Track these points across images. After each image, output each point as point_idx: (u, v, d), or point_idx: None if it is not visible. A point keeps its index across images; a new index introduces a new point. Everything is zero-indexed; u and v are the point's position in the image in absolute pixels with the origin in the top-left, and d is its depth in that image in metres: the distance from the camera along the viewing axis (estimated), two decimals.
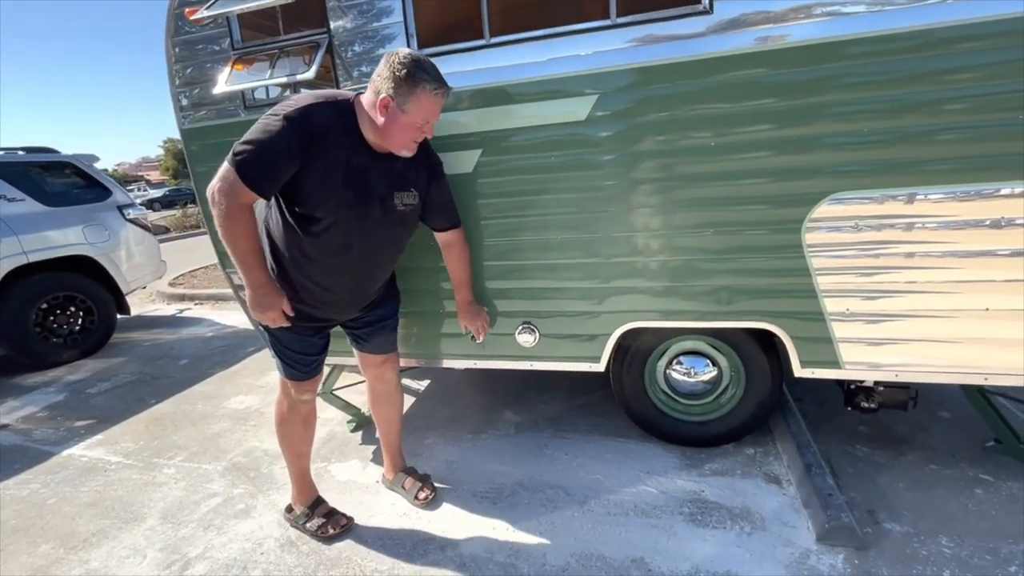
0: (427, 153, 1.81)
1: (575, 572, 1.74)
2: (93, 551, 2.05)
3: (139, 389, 3.68)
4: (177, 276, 7.20)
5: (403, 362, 2.53)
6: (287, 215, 1.60)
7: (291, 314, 1.68)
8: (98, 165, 4.90)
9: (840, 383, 2.11)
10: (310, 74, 2.03)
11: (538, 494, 2.15)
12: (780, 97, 1.73)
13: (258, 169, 1.46)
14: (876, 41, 1.61)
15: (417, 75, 1.50)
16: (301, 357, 1.85)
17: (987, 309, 1.73)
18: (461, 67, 1.99)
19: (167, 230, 14.62)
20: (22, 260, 4.00)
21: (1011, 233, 1.64)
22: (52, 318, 4.28)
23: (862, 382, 2.01)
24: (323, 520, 2.00)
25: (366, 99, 1.57)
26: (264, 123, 1.47)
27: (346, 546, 1.94)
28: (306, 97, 1.52)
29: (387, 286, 1.98)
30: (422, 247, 2.11)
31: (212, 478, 2.48)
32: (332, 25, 2.08)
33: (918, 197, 1.69)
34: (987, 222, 1.66)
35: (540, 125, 1.96)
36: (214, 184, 1.48)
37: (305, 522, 2.01)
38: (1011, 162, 1.60)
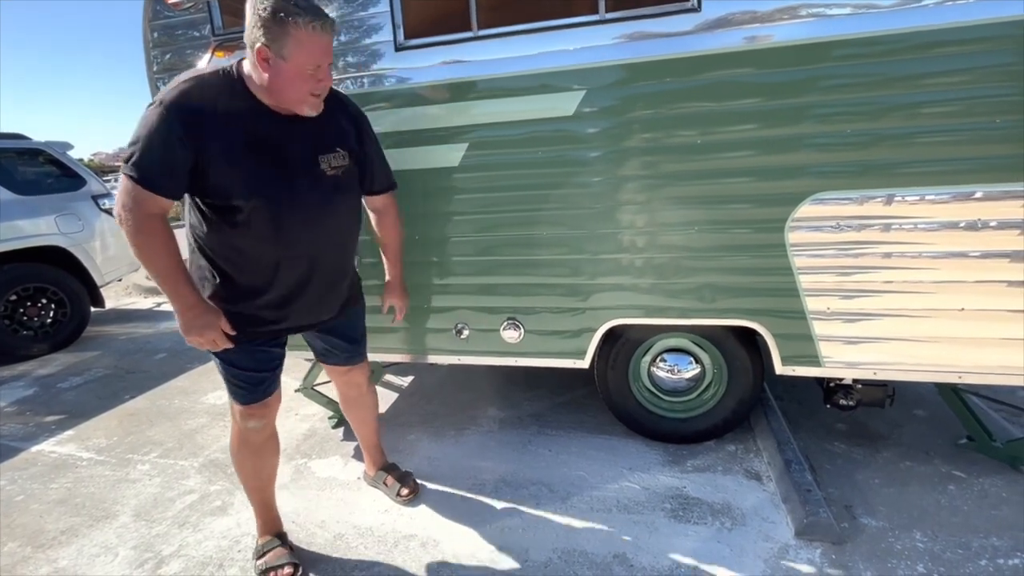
0: (343, 104, 1.57)
1: (557, 568, 1.74)
2: (62, 549, 1.98)
3: (113, 384, 3.58)
4: None
5: (384, 357, 2.50)
6: (206, 213, 1.40)
7: (231, 332, 1.46)
8: (73, 154, 4.76)
9: (820, 381, 2.15)
10: None
11: (521, 490, 2.14)
12: (765, 97, 1.74)
13: (149, 168, 1.27)
14: (859, 44, 1.63)
15: (285, 9, 1.24)
16: (252, 376, 1.59)
17: (962, 309, 1.76)
18: (448, 58, 1.97)
19: None
20: None
21: (986, 235, 1.68)
22: (22, 310, 4.15)
23: (841, 380, 2.04)
24: (267, 567, 1.74)
25: (247, 59, 1.36)
26: (145, 115, 1.29)
27: (326, 543, 1.92)
28: (183, 75, 1.35)
29: (351, 288, 1.77)
30: (406, 240, 2.09)
31: (188, 474, 2.43)
32: None
33: (896, 198, 1.72)
34: (963, 224, 1.69)
35: (527, 120, 1.95)
36: (117, 200, 1.31)
37: (258, 557, 1.79)
38: (987, 165, 1.63)
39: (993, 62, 1.55)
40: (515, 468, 2.30)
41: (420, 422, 2.75)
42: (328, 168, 1.48)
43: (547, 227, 2.05)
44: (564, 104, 1.90)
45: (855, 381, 2.04)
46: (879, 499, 1.95)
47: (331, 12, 2.02)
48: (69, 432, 2.93)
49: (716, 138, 1.81)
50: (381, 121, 2.06)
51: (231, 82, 1.35)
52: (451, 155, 2.05)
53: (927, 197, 1.69)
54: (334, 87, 1.44)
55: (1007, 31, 1.52)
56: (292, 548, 1.83)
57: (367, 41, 2.02)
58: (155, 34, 2.25)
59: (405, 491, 2.09)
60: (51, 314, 4.30)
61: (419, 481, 2.20)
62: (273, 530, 1.87)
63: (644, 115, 1.85)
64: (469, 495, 2.14)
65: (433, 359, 2.39)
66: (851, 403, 2.05)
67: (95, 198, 4.60)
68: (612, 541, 1.84)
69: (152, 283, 6.32)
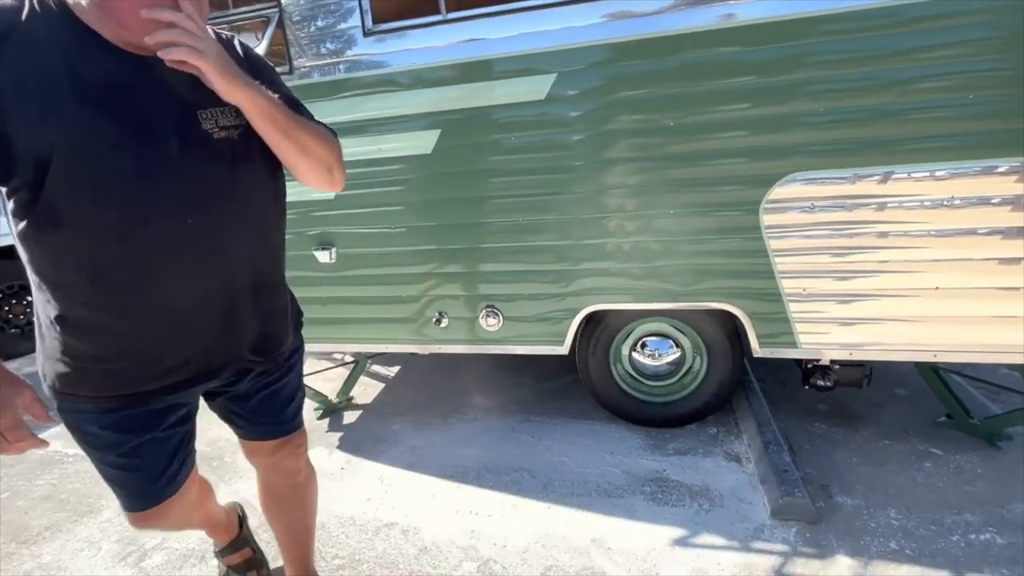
0: (231, 48, 1.02)
1: (536, 552, 1.75)
2: (46, 545, 1.99)
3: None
4: None
5: (365, 348, 2.50)
6: (24, 218, 0.85)
7: (45, 419, 0.97)
8: None
9: (798, 362, 2.15)
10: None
11: (503, 477, 2.15)
12: (737, 76, 1.72)
13: None
14: (829, 20, 1.60)
15: None
16: (139, 477, 1.08)
17: (936, 288, 1.76)
18: (417, 43, 1.93)
19: None
20: None
21: (959, 212, 1.67)
22: (8, 308, 4.12)
23: (818, 361, 2.05)
24: (227, 569, 1.61)
25: None
26: None
27: None
28: None
29: (285, 315, 1.18)
30: (382, 232, 2.07)
31: None
32: None
33: (867, 177, 1.70)
34: (935, 202, 1.68)
35: (498, 104, 1.92)
36: None
37: (221, 557, 1.63)
38: (959, 142, 1.62)
39: (965, 37, 1.53)
40: (498, 455, 2.31)
41: (406, 411, 2.76)
42: (216, 128, 0.95)
43: (522, 213, 2.03)
44: (535, 87, 1.87)
45: (832, 362, 2.04)
46: (856, 478, 1.97)
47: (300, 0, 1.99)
48: (56, 429, 2.90)
49: (688, 120, 1.79)
50: (353, 109, 2.04)
51: (43, 6, 0.83)
52: (424, 142, 2.02)
53: (898, 175, 1.68)
54: (218, 31, 0.98)
55: (975, 5, 1.50)
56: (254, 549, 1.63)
57: (336, 27, 1.99)
58: None
59: None
60: None
61: (403, 471, 2.21)
62: (231, 535, 1.61)
63: (617, 97, 1.83)
64: (452, 482, 2.15)
65: (414, 348, 2.39)
66: (828, 384, 2.06)
67: None
68: (591, 525, 1.85)
69: None
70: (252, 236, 1.05)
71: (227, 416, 1.24)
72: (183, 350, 1.01)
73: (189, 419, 1.14)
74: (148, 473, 1.08)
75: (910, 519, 1.75)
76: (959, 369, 2.40)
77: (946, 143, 1.63)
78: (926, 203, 1.69)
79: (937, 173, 1.66)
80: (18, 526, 2.12)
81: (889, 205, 1.72)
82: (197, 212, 0.94)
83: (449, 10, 1.89)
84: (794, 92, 1.69)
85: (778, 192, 1.78)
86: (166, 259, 0.93)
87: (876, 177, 1.70)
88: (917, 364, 2.17)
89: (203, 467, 2.38)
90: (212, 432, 2.73)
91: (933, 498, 1.83)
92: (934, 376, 2.15)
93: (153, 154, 0.89)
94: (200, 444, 2.61)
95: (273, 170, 1.06)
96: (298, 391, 1.29)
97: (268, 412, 1.22)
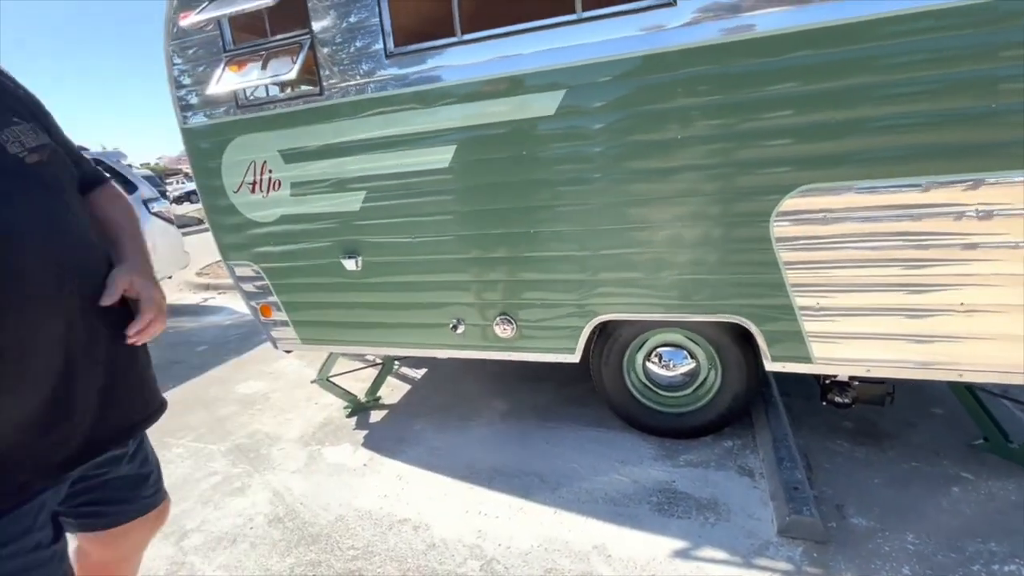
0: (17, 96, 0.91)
1: (537, 555, 1.80)
2: None
3: (160, 373, 3.80)
4: (204, 266, 7.52)
5: (386, 351, 2.62)
6: None
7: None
8: (142, 158, 5.19)
9: (816, 378, 2.09)
10: (292, 74, 2.11)
11: (513, 480, 2.22)
12: (743, 89, 1.71)
13: None
14: (840, 30, 1.57)
15: None
16: None
17: (962, 304, 1.68)
18: (435, 63, 2.03)
19: (199, 221, 15.18)
20: None
21: (987, 223, 1.59)
22: None
23: (836, 377, 1.99)
24: None
25: None
26: None
27: (328, 524, 2.06)
28: None
29: (141, 376, 1.06)
30: (405, 241, 2.18)
31: (215, 457, 2.65)
32: (314, 26, 2.15)
33: (885, 188, 1.65)
34: (960, 213, 1.61)
35: (510, 120, 1.99)
36: None
37: None
38: (989, 151, 1.54)
39: (979, 42, 1.47)
40: (511, 459, 2.37)
41: (427, 412, 2.87)
42: (20, 148, 0.83)
43: (534, 225, 2.09)
44: (545, 103, 1.93)
45: (851, 378, 1.98)
46: (875, 499, 1.90)
47: (326, 24, 2.13)
48: None
49: (696, 132, 1.79)
50: (376, 126, 2.17)
51: None
52: (441, 156, 2.12)
53: (919, 185, 1.62)
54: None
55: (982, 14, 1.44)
56: None
57: (361, 51, 2.12)
58: (175, 52, 2.44)
59: None
60: None
61: (420, 470, 2.32)
62: None
63: (624, 112, 1.86)
64: (464, 483, 2.23)
65: (432, 353, 2.50)
66: (847, 400, 1.99)
67: (145, 202, 4.99)
68: (594, 531, 1.88)
69: (200, 280, 6.78)
70: (92, 278, 0.96)
71: (74, 509, 1.00)
72: (56, 429, 0.85)
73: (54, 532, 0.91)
74: None
75: (928, 545, 1.67)
76: (1006, 391, 2.25)
77: (974, 151, 1.56)
78: (951, 214, 1.62)
79: (964, 182, 1.59)
80: None
81: (908, 218, 1.66)
82: (32, 251, 0.83)
83: (464, 31, 1.98)
84: (805, 103, 1.67)
85: (789, 203, 1.76)
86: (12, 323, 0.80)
87: (893, 188, 1.64)
88: (950, 383, 2.06)
89: (240, 458, 2.60)
90: (253, 426, 2.95)
91: (957, 524, 1.74)
92: (969, 396, 2.04)
93: None
94: (241, 437, 2.83)
95: (83, 202, 1.02)
96: (152, 476, 1.17)
97: (125, 493, 1.08)
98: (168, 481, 2.48)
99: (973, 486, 1.90)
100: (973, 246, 1.63)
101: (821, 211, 1.73)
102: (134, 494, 1.07)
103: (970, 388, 2.05)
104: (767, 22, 1.65)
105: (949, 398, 2.45)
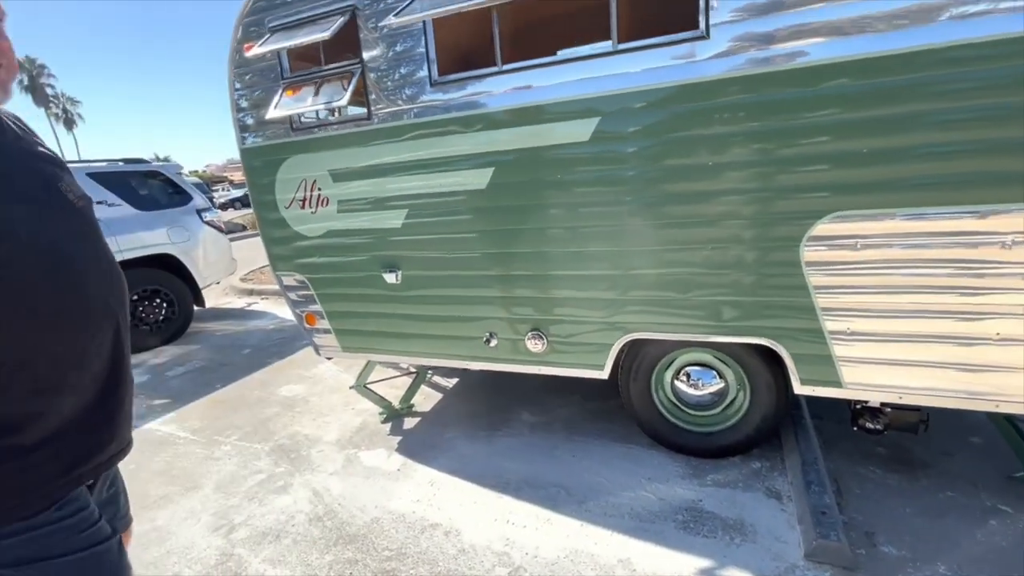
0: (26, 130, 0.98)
1: (563, 566, 1.86)
2: (159, 512, 2.41)
3: (208, 374, 4.15)
4: (248, 272, 7.89)
5: (423, 362, 2.74)
6: None
7: None
8: (190, 165, 5.53)
9: (847, 402, 2.09)
10: (344, 100, 2.27)
11: (541, 491, 2.28)
12: (774, 117, 1.76)
13: None
14: (868, 63, 1.61)
15: None
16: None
17: (997, 334, 1.67)
18: (476, 91, 2.15)
19: (243, 228, 15.86)
20: (117, 258, 4.61)
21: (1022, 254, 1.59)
22: (141, 309, 4.90)
23: (867, 402, 1.98)
24: None
25: None
26: None
27: (364, 525, 2.17)
28: None
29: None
30: (444, 256, 2.29)
31: (260, 457, 2.81)
32: (364, 56, 2.31)
33: (920, 216, 1.66)
34: (995, 243, 1.61)
35: (546, 145, 2.08)
36: None
37: None
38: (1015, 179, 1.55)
39: (1017, 73, 1.48)
40: (539, 470, 2.44)
41: (458, 421, 2.97)
42: (75, 198, 0.96)
43: (567, 244, 2.18)
44: (580, 130, 2.02)
45: (883, 404, 1.97)
46: (907, 528, 1.88)
47: (376, 54, 2.29)
48: (172, 414, 3.46)
49: (726, 158, 1.85)
50: (419, 149, 2.30)
51: None
52: (479, 178, 2.23)
53: (953, 215, 1.63)
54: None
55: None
56: None
57: (407, 79, 2.26)
58: (237, 78, 2.65)
59: None
60: (163, 312, 5.03)
61: (450, 477, 2.41)
62: None
63: (655, 139, 1.93)
64: (493, 492, 2.31)
65: (466, 365, 2.60)
66: (878, 427, 1.99)
67: (199, 212, 5.31)
68: (619, 545, 1.93)
69: (245, 285, 7.12)
70: (124, 303, 1.06)
71: None
72: (100, 432, 0.95)
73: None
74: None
75: None
76: None
77: (1015, 180, 1.56)
78: (985, 243, 1.62)
79: (1002, 212, 1.59)
80: (140, 494, 2.56)
81: (943, 245, 1.66)
82: (91, 278, 0.95)
83: (504, 62, 2.09)
84: (837, 131, 1.70)
85: (820, 229, 1.79)
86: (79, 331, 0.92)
87: (928, 216, 1.66)
88: (989, 413, 2.03)
89: (283, 458, 2.75)
90: (293, 427, 3.11)
91: (992, 558, 1.72)
92: (1009, 426, 2.00)
93: (48, 215, 0.90)
94: (282, 438, 3.00)
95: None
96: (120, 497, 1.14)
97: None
98: (218, 477, 2.67)
99: (1011, 520, 1.87)
100: (1009, 275, 1.62)
101: (852, 237, 1.75)
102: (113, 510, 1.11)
103: (1010, 418, 2.01)
104: (801, 53, 1.69)
105: (988, 427, 2.39)
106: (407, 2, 2.10)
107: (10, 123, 0.92)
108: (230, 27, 2.58)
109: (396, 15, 2.04)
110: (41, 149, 0.97)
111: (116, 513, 1.09)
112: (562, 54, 2.02)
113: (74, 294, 0.89)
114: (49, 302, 0.85)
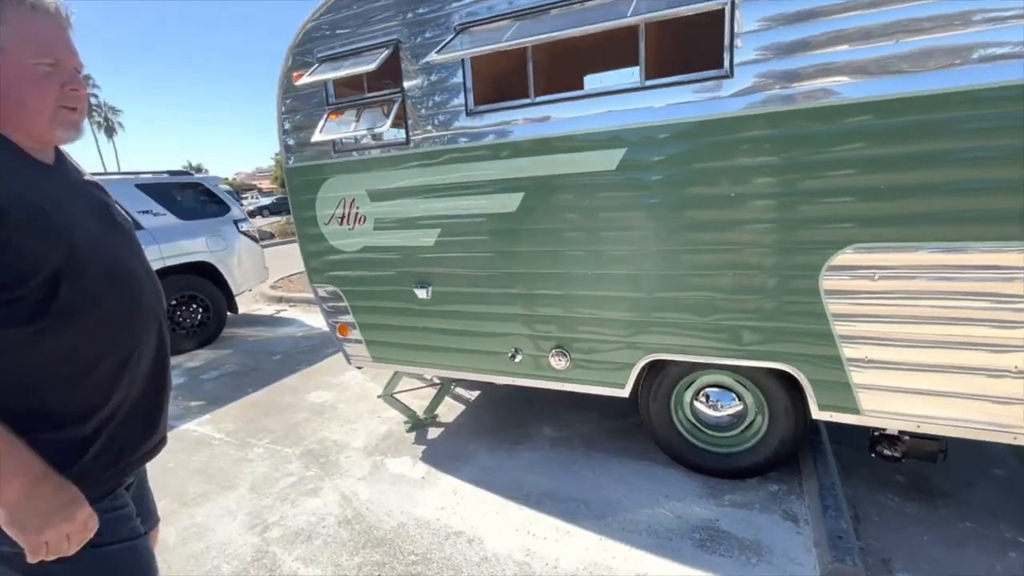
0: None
1: None
2: (198, 508, 2.55)
3: (240, 378, 4.33)
4: (277, 280, 8.15)
5: (449, 374, 2.85)
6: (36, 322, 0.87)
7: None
8: (220, 173, 5.81)
9: (866, 429, 2.12)
10: (386, 126, 2.43)
11: (560, 504, 2.35)
12: (797, 151, 1.84)
13: None
14: (891, 103, 1.68)
15: None
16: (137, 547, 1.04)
17: (1015, 367, 1.71)
18: (510, 119, 2.28)
19: (272, 235, 16.31)
20: (160, 264, 4.87)
21: None
22: (179, 313, 5.13)
23: (885, 430, 2.02)
24: None
25: None
26: None
27: (391, 529, 2.27)
28: None
29: None
30: (473, 275, 2.41)
31: (291, 460, 2.94)
32: (405, 85, 2.47)
33: (935, 249, 1.72)
34: (1011, 279, 1.65)
35: (575, 173, 2.20)
36: None
37: None
38: None
39: None
40: (559, 484, 2.51)
41: (480, 434, 3.06)
42: (122, 219, 1.10)
43: (591, 267, 2.27)
44: (608, 160, 2.12)
45: (901, 432, 2.01)
46: (924, 557, 1.90)
47: (416, 83, 2.44)
48: (207, 416, 3.63)
49: (747, 189, 1.93)
50: (454, 173, 2.44)
51: None
52: (509, 202, 2.35)
53: (969, 249, 1.68)
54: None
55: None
56: None
57: (445, 107, 2.41)
58: (286, 103, 2.83)
59: None
60: (199, 317, 5.26)
61: (473, 487, 2.50)
62: None
63: (679, 169, 2.02)
64: (514, 503, 2.39)
65: (490, 379, 2.70)
66: (896, 454, 2.02)
67: (235, 222, 5.56)
68: (636, 561, 1.99)
69: (274, 292, 7.37)
70: (162, 313, 1.16)
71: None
72: (142, 429, 1.07)
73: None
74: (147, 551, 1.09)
75: None
76: None
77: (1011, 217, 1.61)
78: (1001, 279, 1.67)
79: (1018, 249, 1.64)
80: (179, 491, 2.71)
81: (957, 278, 1.72)
82: (136, 285, 1.05)
83: (537, 94, 2.22)
84: (858, 166, 1.77)
85: (840, 259, 1.85)
86: (134, 312, 1.03)
87: (944, 251, 1.71)
88: (1010, 445, 2.04)
89: (312, 462, 2.88)
90: (322, 433, 3.24)
91: None
92: None
93: (110, 242, 1.02)
94: (312, 442, 3.13)
95: None
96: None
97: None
98: (251, 477, 2.80)
99: None
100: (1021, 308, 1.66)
101: (870, 268, 1.81)
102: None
103: None
104: (825, 92, 1.78)
105: (1011, 460, 2.39)
106: (448, 39, 2.25)
107: (68, 157, 1.06)
108: (265, 48, 2.78)
109: (438, 52, 2.19)
110: (88, 178, 1.10)
111: (146, 512, 1.20)
112: (591, 86, 2.13)
113: (133, 300, 1.02)
114: (116, 307, 0.98)
